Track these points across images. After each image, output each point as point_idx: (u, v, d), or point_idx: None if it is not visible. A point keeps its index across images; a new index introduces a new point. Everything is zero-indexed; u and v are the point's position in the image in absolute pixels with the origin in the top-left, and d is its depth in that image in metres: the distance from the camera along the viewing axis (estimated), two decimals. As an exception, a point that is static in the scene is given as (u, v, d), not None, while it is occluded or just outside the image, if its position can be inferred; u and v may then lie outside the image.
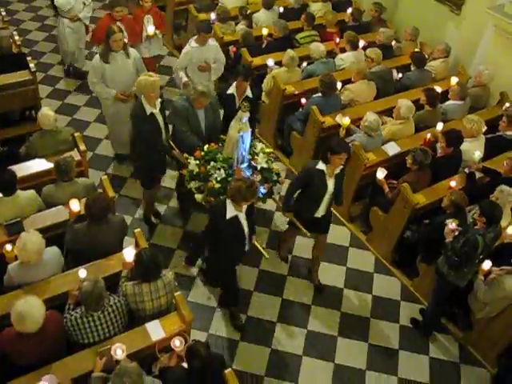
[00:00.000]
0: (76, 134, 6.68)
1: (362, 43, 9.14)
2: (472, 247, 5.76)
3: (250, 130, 6.30)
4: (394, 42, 9.65)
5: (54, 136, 6.51)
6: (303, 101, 8.08)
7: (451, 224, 6.03)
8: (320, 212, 6.31)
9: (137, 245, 5.68)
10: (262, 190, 6.43)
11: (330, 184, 6.13)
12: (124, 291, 5.01)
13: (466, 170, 7.13)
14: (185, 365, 4.53)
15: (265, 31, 8.99)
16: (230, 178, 6.19)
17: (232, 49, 9.06)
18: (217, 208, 5.77)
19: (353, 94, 8.17)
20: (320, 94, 7.83)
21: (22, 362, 4.62)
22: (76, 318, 4.74)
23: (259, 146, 6.78)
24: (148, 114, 6.38)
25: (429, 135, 7.50)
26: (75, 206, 5.58)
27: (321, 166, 6.07)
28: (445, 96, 8.44)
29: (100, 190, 6.34)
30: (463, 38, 9.69)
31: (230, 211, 5.63)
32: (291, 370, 6.09)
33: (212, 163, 6.38)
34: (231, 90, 7.06)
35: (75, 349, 4.82)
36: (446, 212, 6.42)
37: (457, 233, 5.96)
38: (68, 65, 9.87)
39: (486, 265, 5.95)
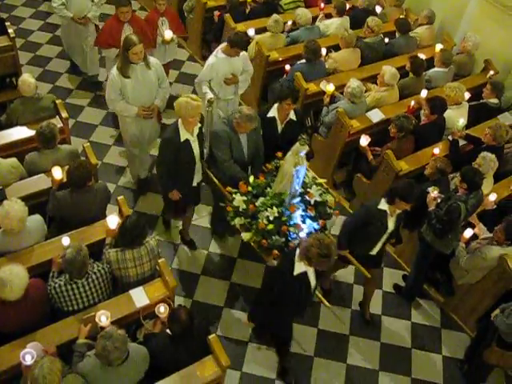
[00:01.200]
0: (57, 101, 6.59)
1: (345, 7, 9.03)
2: (454, 214, 5.82)
3: (306, 163, 5.69)
4: (379, 8, 9.57)
5: (34, 103, 6.41)
6: (287, 67, 8.00)
7: (433, 192, 6.08)
8: (375, 250, 5.85)
9: (120, 212, 5.67)
10: (316, 226, 5.75)
11: (391, 223, 5.64)
12: (107, 258, 5.02)
13: (450, 138, 7.16)
14: (169, 331, 4.57)
15: (249, -4, 8.88)
16: (283, 218, 5.62)
17: (216, 13, 8.95)
18: (284, 263, 5.12)
19: (336, 64, 8.12)
20: (304, 61, 7.77)
21: (6, 329, 4.62)
22: (60, 285, 4.74)
23: (309, 174, 6.15)
24: (182, 140, 5.71)
25: (413, 102, 7.50)
26: (58, 173, 5.52)
27: (383, 205, 5.55)
28: (430, 63, 8.41)
29: (83, 158, 6.27)
30: (449, 5, 9.63)
31: (299, 267, 4.91)
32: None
33: (261, 199, 5.73)
34: (272, 113, 6.31)
35: (59, 316, 4.83)
36: (429, 179, 6.46)
37: (439, 200, 6.01)
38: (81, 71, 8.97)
39: (468, 233, 6.03)
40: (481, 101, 7.89)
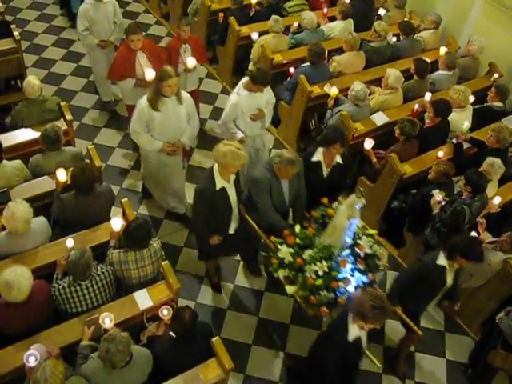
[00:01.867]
0: (62, 103, 6.60)
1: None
2: (459, 217, 5.82)
3: (359, 215, 5.25)
4: (383, 11, 9.60)
5: (39, 105, 6.43)
6: (291, 70, 8.01)
7: (438, 196, 6.07)
8: (430, 307, 5.55)
9: (124, 214, 5.68)
10: (365, 279, 5.33)
11: (449, 279, 5.31)
12: (110, 259, 5.04)
13: (454, 141, 7.15)
14: (172, 332, 4.57)
15: (253, 0, 8.88)
16: (334, 273, 5.20)
17: (221, 15, 8.96)
18: (336, 327, 4.79)
19: (341, 67, 8.12)
20: (308, 64, 7.78)
21: (10, 331, 4.63)
22: (64, 287, 4.75)
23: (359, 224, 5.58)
24: (218, 188, 5.40)
25: (416, 106, 7.49)
26: (62, 175, 5.53)
27: (442, 261, 5.23)
28: (435, 66, 8.40)
29: (87, 160, 6.28)
30: (453, 8, 9.62)
31: (353, 331, 4.55)
32: (279, 337, 6.16)
33: (309, 252, 5.28)
34: (318, 157, 5.95)
35: (63, 318, 4.84)
36: (433, 182, 6.45)
37: (443, 203, 6.00)
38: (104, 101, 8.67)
39: (472, 236, 6.01)
40: (485, 104, 7.88)
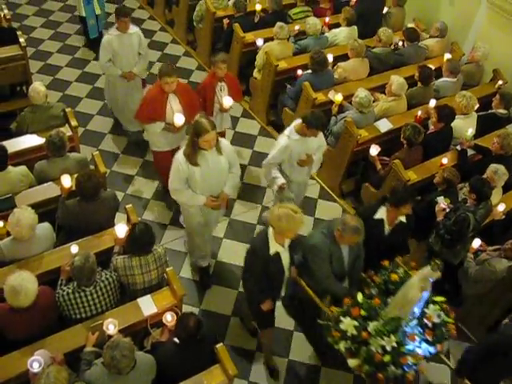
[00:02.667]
0: (67, 110, 6.63)
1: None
2: (463, 224, 5.79)
3: (430, 287, 4.87)
4: (384, 9, 9.66)
5: (45, 111, 6.47)
6: (299, 72, 7.96)
7: (442, 203, 6.06)
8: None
9: (128, 220, 5.69)
10: (432, 350, 5.00)
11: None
12: (115, 265, 5.04)
13: (458, 148, 7.14)
14: (176, 340, 4.57)
15: (258, 7, 8.90)
16: (402, 348, 4.80)
17: (225, 21, 9.00)
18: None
19: (346, 73, 8.13)
20: (310, 71, 7.79)
21: (14, 336, 4.64)
22: (68, 293, 4.76)
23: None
24: (272, 253, 5.00)
25: (419, 112, 7.48)
26: (67, 181, 5.56)
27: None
28: (439, 73, 8.39)
29: (92, 166, 6.30)
30: (457, 15, 9.63)
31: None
32: (283, 344, 6.15)
33: (374, 324, 4.86)
34: (381, 215, 5.55)
35: (67, 324, 4.84)
36: (437, 189, 6.45)
37: (448, 210, 6.00)
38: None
39: (476, 243, 6.01)
40: (489, 111, 7.88)
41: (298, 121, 6.11)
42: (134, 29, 7.54)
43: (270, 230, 4.95)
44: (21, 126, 6.50)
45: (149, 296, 5.08)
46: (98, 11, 9.21)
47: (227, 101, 6.86)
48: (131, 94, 7.79)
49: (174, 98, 6.57)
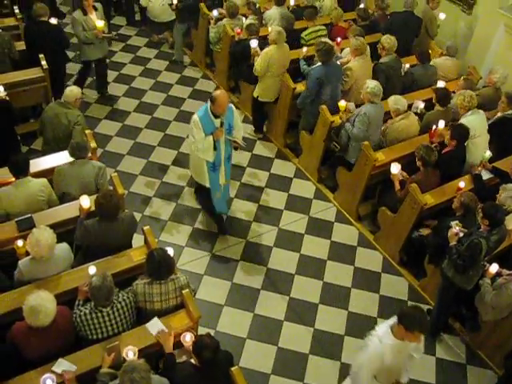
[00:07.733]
0: (87, 131, 6.74)
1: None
2: (475, 250, 5.73)
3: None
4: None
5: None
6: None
7: (455, 227, 6.01)
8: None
9: (146, 242, 5.73)
10: None
11: None
12: (134, 290, 5.06)
13: (473, 172, 7.11)
14: (193, 361, 4.57)
15: (270, 30, 8.92)
16: None
17: (236, 30, 9.02)
18: None
19: (355, 73, 8.18)
20: (320, 64, 7.83)
21: (32, 356, 4.66)
22: (85, 313, 4.79)
23: None
24: None
25: (434, 126, 7.43)
26: (86, 202, 5.62)
27: None
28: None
29: (110, 187, 6.36)
30: (474, 38, 9.67)
31: None
32: (297, 368, 6.13)
33: None
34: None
35: (84, 344, 4.87)
36: (455, 213, 6.41)
37: (461, 234, 5.94)
38: None
39: (493, 268, 5.95)
40: (498, 115, 7.87)
41: (394, 320, 4.81)
42: None
43: None
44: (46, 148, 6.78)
45: (156, 318, 5.06)
46: None
47: None
48: None
49: None
